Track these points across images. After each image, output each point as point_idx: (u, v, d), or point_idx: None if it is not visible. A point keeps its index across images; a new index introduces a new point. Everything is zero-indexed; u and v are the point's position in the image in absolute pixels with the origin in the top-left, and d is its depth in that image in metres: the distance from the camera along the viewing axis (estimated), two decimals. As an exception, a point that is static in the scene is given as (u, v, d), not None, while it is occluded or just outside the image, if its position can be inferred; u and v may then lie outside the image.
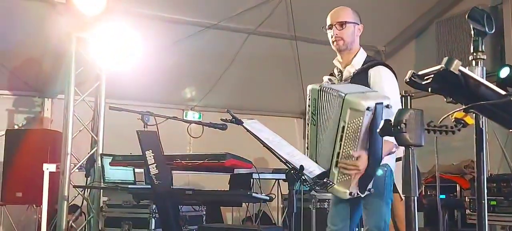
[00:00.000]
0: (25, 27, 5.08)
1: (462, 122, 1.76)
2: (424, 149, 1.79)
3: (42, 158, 4.89)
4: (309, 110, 2.65)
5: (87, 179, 4.99)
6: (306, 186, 4.98)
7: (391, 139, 2.48)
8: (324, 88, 2.58)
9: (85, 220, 5.06)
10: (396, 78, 2.69)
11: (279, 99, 6.97)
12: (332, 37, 2.79)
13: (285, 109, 7.47)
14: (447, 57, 1.66)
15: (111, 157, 4.37)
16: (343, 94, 2.45)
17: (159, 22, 5.37)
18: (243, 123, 2.49)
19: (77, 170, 4.92)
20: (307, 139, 2.68)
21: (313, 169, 2.52)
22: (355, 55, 2.76)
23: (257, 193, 4.70)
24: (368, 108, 2.38)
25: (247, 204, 5.49)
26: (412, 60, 6.45)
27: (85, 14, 4.49)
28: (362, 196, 2.54)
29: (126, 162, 4.17)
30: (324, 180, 2.56)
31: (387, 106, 2.43)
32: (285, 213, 5.72)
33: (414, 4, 6.05)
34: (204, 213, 4.74)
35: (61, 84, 5.40)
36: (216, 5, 5.47)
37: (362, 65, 2.71)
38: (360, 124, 2.41)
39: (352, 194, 2.50)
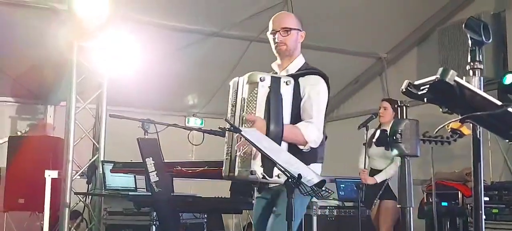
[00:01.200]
0: (28, 35, 5.11)
1: (459, 132, 1.76)
2: (426, 157, 1.79)
3: (44, 165, 4.90)
4: (229, 104, 2.63)
5: (88, 186, 5.01)
6: (305, 194, 4.99)
7: (304, 130, 2.49)
8: (236, 80, 2.60)
9: (87, 227, 5.07)
10: (328, 87, 2.68)
11: (281, 106, 6.96)
12: (274, 42, 2.74)
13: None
14: (442, 68, 1.66)
15: (112, 164, 4.40)
16: (246, 75, 2.51)
17: (161, 30, 5.39)
18: (241, 131, 2.49)
19: (78, 177, 4.93)
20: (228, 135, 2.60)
21: (311, 177, 2.50)
22: (293, 62, 2.73)
23: (257, 201, 4.72)
24: (261, 79, 2.43)
25: (248, 211, 5.49)
26: (414, 67, 6.43)
27: (87, 22, 4.52)
28: (270, 179, 2.39)
29: (127, 169, 4.19)
30: (323, 189, 2.54)
31: (286, 82, 2.46)
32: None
33: (416, 12, 6.05)
34: (205, 220, 4.74)
35: (63, 92, 5.43)
36: (217, 13, 5.49)
37: (297, 71, 2.67)
38: (256, 94, 2.44)
39: (254, 172, 2.38)
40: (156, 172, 3.49)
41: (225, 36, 5.71)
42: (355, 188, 5.36)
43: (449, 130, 1.76)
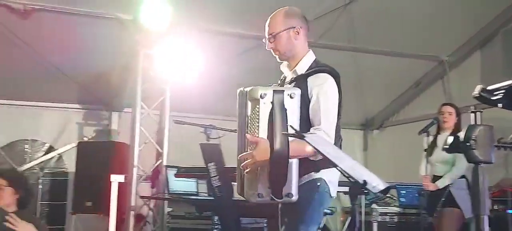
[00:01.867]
0: (95, 44, 5.31)
1: (537, 138, 1.70)
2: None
3: (110, 169, 5.09)
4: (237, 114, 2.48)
5: (152, 190, 5.16)
6: (369, 200, 4.92)
7: (313, 141, 2.21)
8: (240, 90, 2.41)
9: (151, 230, 5.22)
10: (338, 84, 2.46)
11: (339, 111, 6.91)
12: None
13: (345, 121, 7.33)
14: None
15: (176, 169, 4.52)
16: (248, 88, 2.31)
17: (221, 37, 5.48)
18: (304, 136, 2.49)
19: (143, 181, 5.09)
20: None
21: (376, 184, 2.46)
22: (300, 61, 2.52)
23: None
24: (261, 96, 2.21)
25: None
26: (477, 71, 6.19)
27: (151, 31, 4.67)
28: (279, 200, 2.24)
29: (190, 174, 4.29)
30: (388, 195, 2.49)
31: (290, 95, 2.24)
32: (346, 226, 5.65)
33: (479, 12, 5.82)
34: (266, 225, 4.77)
35: (128, 98, 5.63)
36: (276, 18, 5.52)
37: (306, 71, 2.47)
38: (258, 112, 2.23)
39: (261, 196, 2.22)
40: (218, 177, 3.55)
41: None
42: (416, 195, 5.24)
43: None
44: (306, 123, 2.37)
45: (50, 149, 6.14)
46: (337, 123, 2.47)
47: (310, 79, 2.41)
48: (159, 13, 4.60)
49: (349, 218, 5.22)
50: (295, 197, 2.24)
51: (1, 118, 5.97)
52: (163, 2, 4.60)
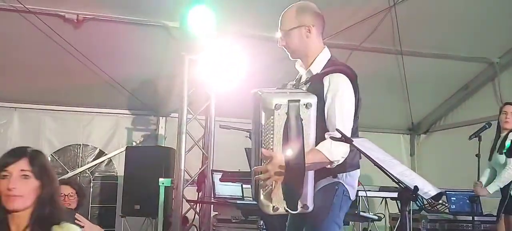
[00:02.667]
0: (143, 51, 5.45)
1: None
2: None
3: (158, 173, 5.22)
4: (252, 119, 2.40)
5: (198, 194, 5.22)
6: (419, 206, 4.80)
7: (327, 150, 2.17)
8: (255, 94, 2.31)
9: (197, 233, 5.28)
10: (355, 85, 2.33)
11: (384, 115, 6.82)
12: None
13: (391, 126, 7.28)
14: None
15: (221, 173, 4.56)
16: (261, 93, 2.21)
17: (264, 42, 5.49)
18: (352, 141, 2.45)
19: (189, 185, 5.16)
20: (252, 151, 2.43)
21: (428, 190, 2.39)
22: (314, 59, 2.42)
23: (364, 212, 4.63)
24: (276, 106, 2.11)
25: (353, 223, 5.40)
26: (530, 73, 5.97)
27: (197, 37, 4.75)
28: (293, 213, 2.15)
29: (235, 178, 4.32)
30: (440, 202, 2.42)
31: (306, 105, 2.14)
32: (394, 233, 5.54)
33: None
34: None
35: (174, 103, 5.74)
36: (319, 23, 5.50)
37: (322, 69, 2.37)
38: (272, 124, 2.13)
39: (276, 209, 2.15)
40: (263, 181, 3.55)
41: (326, 45, 5.70)
42: (467, 201, 5.08)
43: None
44: (323, 128, 2.27)
45: (100, 154, 6.32)
46: (354, 125, 2.38)
47: (326, 80, 2.31)
48: (204, 20, 4.67)
49: (397, 225, 5.12)
50: (311, 208, 2.19)
51: (55, 123, 6.20)
52: (208, 9, 4.66)
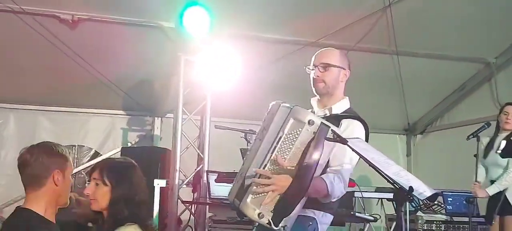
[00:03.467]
0: (138, 51, 5.45)
1: None
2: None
3: (152, 174, 5.19)
4: (262, 124, 2.41)
5: (193, 195, 5.21)
6: (415, 207, 4.81)
7: (328, 182, 2.22)
8: (279, 103, 2.33)
9: (192, 234, 5.26)
10: (367, 137, 2.46)
11: (381, 116, 6.81)
12: (313, 79, 2.54)
13: (387, 126, 7.27)
14: None
15: (216, 174, 4.55)
16: (292, 106, 2.24)
17: (260, 42, 5.51)
18: (347, 142, 2.45)
19: (184, 186, 5.14)
20: (249, 152, 2.45)
21: (423, 190, 2.39)
22: (336, 102, 2.53)
23: (360, 213, 4.62)
24: (309, 122, 2.15)
25: (350, 224, 5.39)
26: (527, 73, 5.97)
27: (192, 37, 4.75)
28: (274, 228, 2.14)
29: (230, 179, 4.28)
30: (436, 202, 2.41)
31: (333, 133, 2.17)
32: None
33: (530, 11, 5.60)
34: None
35: (170, 104, 5.73)
36: (314, 23, 5.49)
37: (342, 113, 2.47)
38: (297, 135, 2.16)
39: (261, 216, 2.13)
40: (259, 182, 3.54)
41: (321, 46, 5.65)
42: (464, 202, 5.08)
43: None
44: (324, 164, 2.30)
45: (96, 154, 6.30)
46: None
47: (345, 122, 2.42)
48: (200, 20, 4.67)
49: (393, 225, 5.11)
50: (287, 228, 2.18)
51: (50, 124, 6.20)
52: (204, 10, 4.66)
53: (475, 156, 4.59)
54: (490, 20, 5.59)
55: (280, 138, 2.19)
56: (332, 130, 2.31)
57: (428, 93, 6.87)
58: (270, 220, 2.15)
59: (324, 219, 2.43)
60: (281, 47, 5.67)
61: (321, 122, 2.18)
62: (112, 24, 5.16)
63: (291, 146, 2.17)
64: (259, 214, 2.15)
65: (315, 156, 2.13)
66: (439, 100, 7.02)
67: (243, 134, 4.40)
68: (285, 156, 2.17)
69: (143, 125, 6.49)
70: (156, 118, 6.43)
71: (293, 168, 2.16)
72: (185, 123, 5.11)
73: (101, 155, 6.29)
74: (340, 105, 2.52)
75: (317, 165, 2.15)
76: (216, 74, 4.86)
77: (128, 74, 5.77)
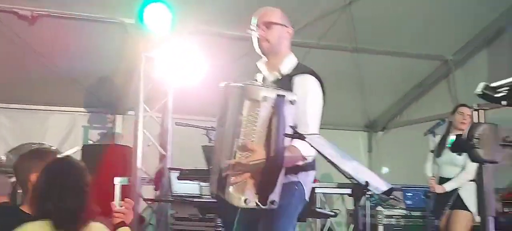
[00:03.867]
0: (99, 47, 5.36)
1: (542, 136, 1.67)
2: (500, 163, 1.71)
3: (114, 172, 5.11)
4: (219, 110, 2.40)
5: (156, 192, 5.15)
6: (373, 202, 4.90)
7: (302, 147, 2.24)
8: (229, 85, 2.34)
9: (154, 232, 5.22)
10: (322, 87, 2.44)
11: (342, 113, 6.91)
12: (256, 39, 2.52)
13: (349, 123, 7.37)
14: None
15: (179, 171, 4.51)
16: (243, 85, 2.22)
17: (223, 39, 5.48)
18: (305, 137, 2.46)
19: (146, 184, 5.09)
20: (215, 144, 2.43)
21: (379, 185, 2.44)
22: (282, 60, 2.49)
23: (321, 208, 4.68)
24: (264, 98, 2.12)
25: (311, 219, 5.45)
26: (484, 70, 6.12)
27: (153, 34, 4.69)
28: (263, 208, 2.16)
29: (192, 176, 4.28)
30: (392, 197, 2.46)
31: (291, 101, 2.16)
32: (350, 229, 5.62)
33: (484, 10, 5.74)
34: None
35: (131, 101, 5.65)
36: (277, 20, 5.52)
37: (291, 71, 2.44)
38: (257, 116, 2.14)
39: (248, 201, 2.14)
40: (220, 178, 3.53)
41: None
42: (423, 197, 5.20)
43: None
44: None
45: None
46: None
47: (297, 80, 2.38)
48: (161, 16, 4.62)
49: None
50: (277, 204, 2.19)
51: (9, 121, 6.04)
52: (165, 6, 4.61)
53: (432, 151, 4.71)
54: (448, 18, 5.73)
55: (241, 121, 2.16)
56: (290, 125, 2.27)
57: (388, 90, 7.00)
58: (257, 202, 2.16)
59: (307, 178, 2.43)
60: (245, 44, 5.63)
61: (276, 94, 2.15)
62: (72, 20, 5.08)
63: (254, 127, 2.15)
64: (245, 200, 2.15)
65: (280, 128, 2.12)
66: (399, 97, 7.16)
67: (205, 131, 4.38)
68: (252, 139, 2.16)
69: (104, 122, 6.38)
70: (117, 115, 6.35)
71: (263, 148, 2.16)
72: (147, 120, 5.06)
73: (61, 152, 6.13)
74: (288, 63, 2.49)
75: (284, 136, 2.14)
76: (178, 71, 4.82)
77: (89, 71, 5.66)
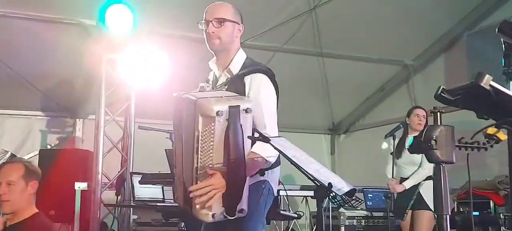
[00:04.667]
0: (57, 50, 5.23)
1: (495, 137, 1.73)
2: (456, 165, 1.75)
3: (74, 177, 4.99)
4: (173, 121, 2.34)
5: (117, 198, 5.06)
6: (336, 203, 4.95)
7: (261, 151, 2.21)
8: (181, 96, 2.26)
9: (116, 238, 5.11)
10: (276, 87, 2.38)
11: (306, 115, 6.97)
12: (206, 34, 2.41)
13: (313, 126, 7.45)
14: (477, 72, 1.63)
15: (141, 176, 4.44)
16: (195, 99, 2.14)
17: (186, 42, 5.43)
18: (270, 140, 2.47)
19: (107, 189, 4.99)
20: (174, 156, 2.36)
21: (341, 186, 2.46)
22: (232, 58, 2.41)
23: (285, 211, 4.70)
24: (218, 113, 2.06)
25: (275, 222, 5.46)
26: (441, 75, 6.33)
27: (115, 36, 4.61)
28: (231, 218, 2.14)
29: (155, 180, 4.21)
30: (354, 198, 2.49)
31: (246, 110, 2.11)
32: (314, 230, 5.67)
33: (443, 16, 5.94)
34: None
35: (92, 105, 5.54)
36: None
37: (240, 70, 2.38)
38: (213, 131, 2.08)
39: (215, 216, 2.11)
40: (184, 182, 3.49)
41: (248, 46, 5.71)
42: (383, 198, 5.30)
43: (484, 136, 1.73)
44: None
45: (12, 157, 5.95)
46: None
47: (247, 80, 2.32)
48: (122, 18, 4.54)
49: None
50: (246, 211, 2.17)
51: (-38, 125, 5.82)
52: (126, 7, 4.54)
53: (391, 154, 4.80)
54: (408, 24, 5.89)
55: (197, 136, 2.11)
56: (254, 128, 2.25)
57: (351, 94, 7.11)
58: (225, 215, 2.13)
59: (273, 175, 2.40)
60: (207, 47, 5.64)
61: (228, 107, 2.09)
62: (29, 21, 4.94)
63: (211, 142, 2.11)
64: (213, 215, 2.12)
65: (238, 140, 2.09)
66: (361, 101, 7.29)
67: (169, 134, 4.33)
68: (210, 152, 2.12)
69: (64, 126, 6.24)
70: (77, 119, 6.21)
71: (223, 164, 2.12)
72: (108, 124, 4.96)
73: (18, 157, 5.96)
74: (237, 61, 2.41)
75: (243, 147, 2.11)
76: (140, 74, 4.75)
77: (47, 73, 5.51)
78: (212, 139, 2.09)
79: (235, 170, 2.11)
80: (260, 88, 2.31)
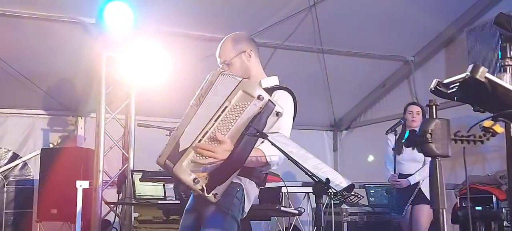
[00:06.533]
0: (58, 49, 5.23)
1: (491, 131, 1.71)
2: (458, 160, 1.75)
3: (75, 175, 4.99)
4: (199, 91, 2.35)
5: (118, 195, 5.07)
6: (334, 199, 4.94)
7: (267, 152, 2.28)
8: (227, 73, 2.33)
9: (117, 236, 5.13)
10: (295, 107, 2.49)
11: (308, 112, 6.92)
12: None
13: (314, 123, 7.44)
14: (472, 65, 1.62)
15: (142, 173, 4.45)
16: (241, 78, 2.25)
17: (187, 40, 5.44)
18: (267, 136, 2.47)
19: (109, 187, 5.00)
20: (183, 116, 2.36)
21: (340, 182, 2.45)
22: (262, 78, 2.53)
23: (285, 207, 4.69)
24: (259, 97, 2.15)
25: (276, 218, 5.46)
26: (442, 70, 6.32)
27: (115, 34, 4.61)
28: (206, 195, 2.15)
29: (156, 178, 4.22)
30: (352, 194, 2.48)
31: (277, 113, 2.22)
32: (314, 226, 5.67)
33: (443, 12, 5.93)
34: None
35: (93, 103, 5.54)
36: (242, 21, 5.51)
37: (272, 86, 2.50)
38: (244, 108, 2.16)
39: (196, 181, 2.14)
40: (184, 180, 3.49)
41: (250, 43, 5.73)
42: (385, 194, 5.30)
43: (481, 129, 1.72)
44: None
45: (14, 157, 6.01)
46: None
47: (278, 94, 2.43)
48: (122, 16, 4.54)
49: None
50: (218, 197, 2.19)
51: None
52: (126, 5, 4.54)
53: (393, 149, 4.80)
54: (409, 20, 5.86)
55: (226, 107, 2.17)
56: (251, 124, 2.25)
57: (352, 90, 7.10)
58: (204, 187, 2.15)
59: (250, 186, 2.43)
60: (209, 45, 5.62)
61: (269, 99, 2.18)
62: (29, 20, 4.92)
63: (236, 117, 2.16)
64: (194, 179, 2.14)
65: (258, 131, 2.14)
66: (363, 97, 7.28)
67: (168, 131, 4.33)
68: (230, 126, 2.17)
69: (65, 125, 6.25)
70: (79, 118, 6.21)
71: (231, 143, 2.15)
72: (109, 122, 4.97)
73: (20, 157, 6.01)
74: (269, 81, 2.53)
75: (255, 141, 2.17)
76: (140, 72, 4.75)
77: (48, 72, 5.51)
78: (238, 116, 2.16)
79: (237, 155, 2.12)
80: (286, 105, 2.40)
